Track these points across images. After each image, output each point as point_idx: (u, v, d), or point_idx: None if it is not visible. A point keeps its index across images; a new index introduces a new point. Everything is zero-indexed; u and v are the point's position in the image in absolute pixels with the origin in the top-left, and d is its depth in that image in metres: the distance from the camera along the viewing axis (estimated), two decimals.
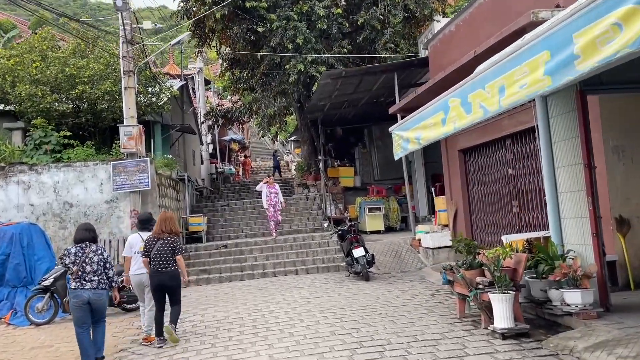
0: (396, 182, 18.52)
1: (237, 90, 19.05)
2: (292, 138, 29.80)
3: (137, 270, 6.94)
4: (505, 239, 7.45)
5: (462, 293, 6.49)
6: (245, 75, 17.90)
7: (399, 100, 12.85)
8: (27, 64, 12.85)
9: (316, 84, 14.23)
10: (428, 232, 12.05)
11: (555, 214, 6.61)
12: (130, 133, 11.33)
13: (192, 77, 27.08)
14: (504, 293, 5.60)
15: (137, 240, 7.11)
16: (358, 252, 10.48)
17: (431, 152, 16.18)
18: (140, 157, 11.71)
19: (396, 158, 7.05)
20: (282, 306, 8.47)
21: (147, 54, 13.00)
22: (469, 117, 4.57)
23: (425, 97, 9.03)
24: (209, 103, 25.73)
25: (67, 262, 5.83)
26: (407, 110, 10.26)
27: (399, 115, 12.64)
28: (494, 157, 10.44)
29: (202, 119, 22.03)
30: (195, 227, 14.55)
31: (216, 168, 25.21)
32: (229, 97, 22.39)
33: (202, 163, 24.70)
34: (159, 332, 6.65)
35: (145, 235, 7.03)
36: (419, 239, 12.50)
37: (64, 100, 13.02)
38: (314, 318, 7.37)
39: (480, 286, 5.93)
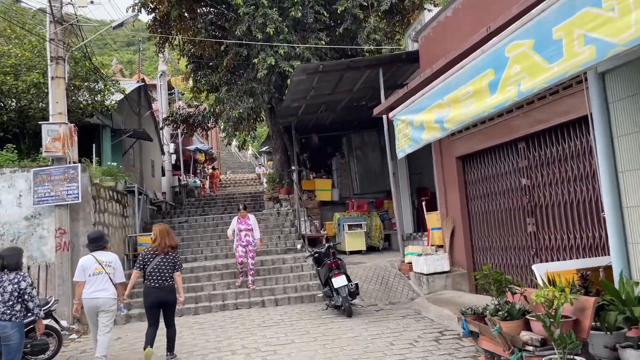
0: (377, 196, 16.71)
1: (199, 91, 16.86)
2: (264, 148, 27.71)
3: (93, 294, 6.32)
4: (539, 269, 5.47)
5: (495, 352, 4.52)
6: (207, 73, 15.78)
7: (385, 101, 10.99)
8: None
9: (289, 81, 12.24)
10: (421, 255, 10.10)
11: (619, 237, 4.72)
12: (56, 133, 9.04)
13: (155, 85, 24.91)
14: None
15: (90, 262, 6.41)
16: (339, 282, 8.46)
17: (416, 163, 14.48)
18: (69, 163, 9.47)
19: (400, 155, 5.03)
20: None
21: (84, 38, 10.76)
22: (554, 68, 2.49)
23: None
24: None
25: None
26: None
27: (384, 118, 10.85)
28: (502, 164, 8.70)
29: (161, 125, 19.73)
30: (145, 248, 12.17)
31: (179, 180, 22.94)
32: (194, 102, 20.22)
33: (163, 175, 22.48)
34: (152, 345, 6.33)
35: (99, 255, 6.46)
36: (410, 263, 10.55)
37: None
38: None
39: (530, 348, 3.97)
